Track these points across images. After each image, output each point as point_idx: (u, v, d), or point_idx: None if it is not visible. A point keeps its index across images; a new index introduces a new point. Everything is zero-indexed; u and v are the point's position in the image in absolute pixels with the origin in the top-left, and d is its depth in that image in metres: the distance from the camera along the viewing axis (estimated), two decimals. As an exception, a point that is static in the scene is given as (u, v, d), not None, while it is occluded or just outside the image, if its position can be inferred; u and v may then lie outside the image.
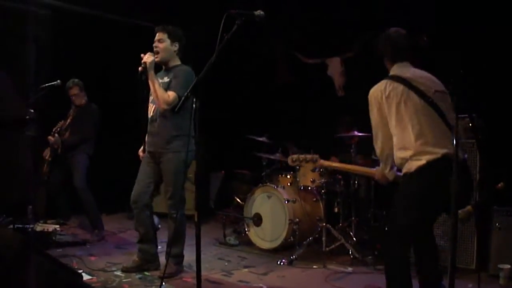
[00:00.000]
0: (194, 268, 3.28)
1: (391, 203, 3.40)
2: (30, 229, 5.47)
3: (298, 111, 7.66)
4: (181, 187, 4.68)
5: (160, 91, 4.48)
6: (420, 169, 3.19)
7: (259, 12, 3.19)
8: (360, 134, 5.76)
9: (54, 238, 5.63)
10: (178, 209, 4.62)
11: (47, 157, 6.42)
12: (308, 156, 4.12)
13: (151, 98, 4.74)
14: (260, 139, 6.53)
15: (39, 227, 5.70)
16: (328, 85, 7.62)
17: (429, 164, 3.16)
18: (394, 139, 3.35)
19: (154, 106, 4.70)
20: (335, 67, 7.60)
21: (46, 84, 5.78)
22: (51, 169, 6.44)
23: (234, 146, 7.80)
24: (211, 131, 7.08)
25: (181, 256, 4.77)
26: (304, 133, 7.09)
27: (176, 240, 4.70)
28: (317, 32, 7.52)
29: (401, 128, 3.29)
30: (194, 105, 4.59)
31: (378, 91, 3.41)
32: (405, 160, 3.29)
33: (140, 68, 4.48)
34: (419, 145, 3.21)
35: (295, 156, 4.18)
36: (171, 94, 4.49)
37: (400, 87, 3.33)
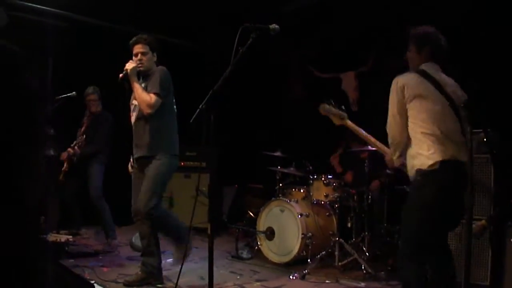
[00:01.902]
0: (207, 280, 3.28)
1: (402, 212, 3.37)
2: (43, 239, 5.49)
3: (312, 125, 7.65)
4: (159, 191, 4.65)
5: (143, 95, 4.56)
6: (432, 170, 3.17)
7: (274, 26, 3.21)
8: (373, 148, 5.73)
9: (66, 248, 5.65)
10: (155, 211, 4.58)
11: (63, 168, 6.46)
12: (341, 112, 4.08)
13: (132, 106, 4.82)
14: (275, 154, 6.52)
15: (52, 237, 5.73)
16: (342, 100, 7.60)
17: (441, 165, 3.14)
18: (411, 133, 3.33)
19: (134, 113, 4.78)
20: (349, 82, 7.60)
21: (62, 96, 5.83)
22: (66, 179, 6.49)
23: (247, 160, 7.81)
24: (225, 145, 7.09)
25: (179, 237, 4.75)
26: (318, 147, 7.08)
27: (162, 230, 4.75)
28: (331, 46, 7.54)
29: (418, 126, 3.28)
30: (175, 108, 4.70)
31: (403, 80, 3.37)
32: (417, 160, 3.27)
33: (120, 75, 4.58)
34: (436, 146, 3.19)
35: (327, 106, 4.10)
36: (153, 98, 4.54)
37: (429, 85, 3.30)
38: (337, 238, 5.56)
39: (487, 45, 5.46)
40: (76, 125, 6.64)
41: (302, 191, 6.28)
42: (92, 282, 4.40)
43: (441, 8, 5.90)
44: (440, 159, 3.14)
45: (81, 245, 6.18)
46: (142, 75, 4.80)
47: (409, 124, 3.34)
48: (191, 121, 3.26)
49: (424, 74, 3.36)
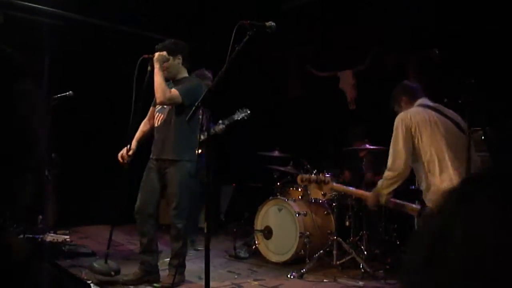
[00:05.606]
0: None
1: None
2: (40, 239, 5.48)
3: (310, 124, 7.64)
4: (186, 198, 4.67)
5: (163, 84, 4.48)
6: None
7: (270, 24, 3.18)
8: (371, 147, 5.71)
9: (63, 248, 5.62)
10: (182, 219, 4.62)
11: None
12: (320, 177, 3.97)
13: (158, 107, 4.77)
14: (273, 153, 6.51)
15: (49, 237, 5.70)
16: (339, 98, 7.59)
17: None
18: (427, 165, 3.32)
19: (161, 115, 4.72)
20: (347, 80, 7.58)
21: (58, 95, 5.80)
22: None
23: (245, 159, 7.79)
24: (223, 143, 7.08)
25: (183, 266, 4.76)
26: (316, 146, 7.06)
27: (180, 250, 4.68)
28: (329, 45, 7.52)
29: (434, 154, 3.29)
30: (201, 117, 4.63)
31: (408, 116, 3.43)
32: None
33: (145, 55, 4.51)
34: (455, 175, 3.20)
35: (305, 176, 4.02)
36: (173, 91, 4.52)
37: (433, 113, 3.37)
38: (335, 237, 5.53)
39: (486, 42, 5.44)
40: (74, 124, 6.63)
41: (299, 189, 6.27)
42: (89, 282, 4.40)
43: (439, 7, 5.89)
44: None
45: (78, 245, 6.12)
46: (171, 79, 4.77)
47: (422, 154, 3.35)
48: (187, 119, 3.24)
49: (425, 106, 3.48)
